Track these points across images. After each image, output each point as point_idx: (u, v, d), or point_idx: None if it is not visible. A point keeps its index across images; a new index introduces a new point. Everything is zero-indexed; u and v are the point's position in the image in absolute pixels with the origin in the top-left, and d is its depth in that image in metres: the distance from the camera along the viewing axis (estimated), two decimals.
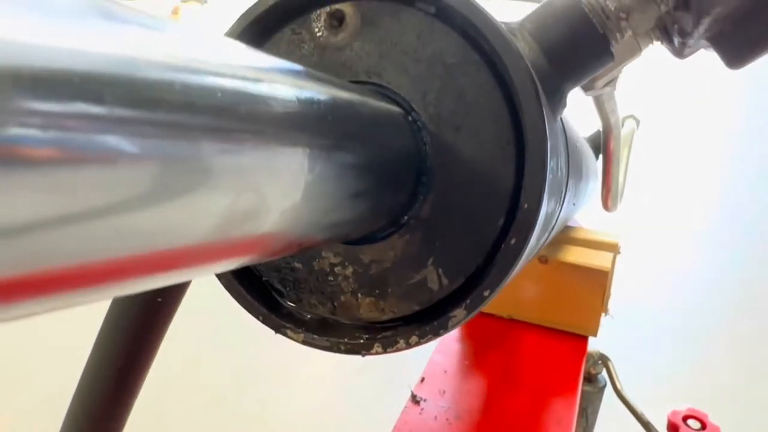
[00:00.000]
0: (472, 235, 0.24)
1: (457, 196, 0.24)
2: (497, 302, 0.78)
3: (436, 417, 0.64)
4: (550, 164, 0.23)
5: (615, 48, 0.26)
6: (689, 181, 3.03)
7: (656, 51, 0.31)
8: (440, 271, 0.24)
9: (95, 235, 0.10)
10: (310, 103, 0.16)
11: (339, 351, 0.25)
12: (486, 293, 0.23)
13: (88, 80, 0.10)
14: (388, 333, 0.25)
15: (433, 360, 0.70)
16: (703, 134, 3.77)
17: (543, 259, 0.74)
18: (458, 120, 0.24)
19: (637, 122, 0.86)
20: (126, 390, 0.32)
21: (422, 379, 0.66)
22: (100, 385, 0.32)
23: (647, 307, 1.85)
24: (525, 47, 0.26)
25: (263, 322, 0.26)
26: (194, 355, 1.51)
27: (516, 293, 0.76)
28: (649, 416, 0.84)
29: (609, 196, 0.61)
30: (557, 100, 0.26)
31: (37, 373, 1.55)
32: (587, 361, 0.87)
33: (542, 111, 0.22)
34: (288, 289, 0.26)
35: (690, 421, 0.82)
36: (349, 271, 0.25)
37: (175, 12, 5.78)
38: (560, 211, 0.31)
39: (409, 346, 0.24)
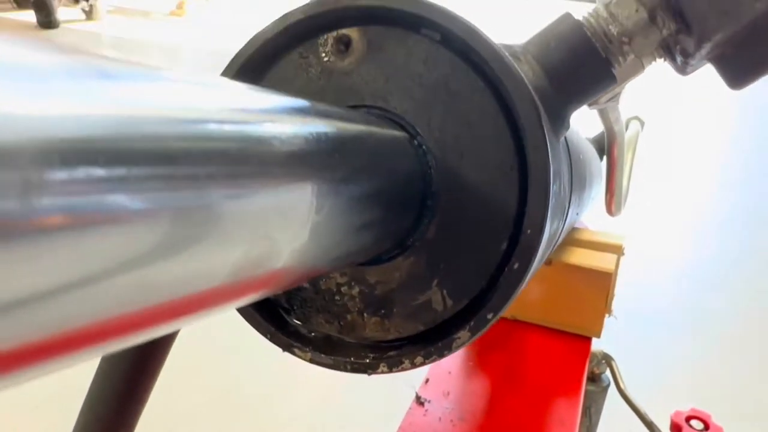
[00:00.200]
0: (476, 258, 0.24)
1: (462, 219, 0.24)
2: None
3: (440, 418, 0.64)
4: (553, 189, 0.23)
5: (617, 70, 0.27)
6: (690, 177, 3.02)
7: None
8: (445, 292, 0.25)
9: (110, 293, 0.11)
10: (316, 141, 0.17)
11: (345, 370, 0.25)
12: (489, 316, 0.23)
13: (91, 145, 0.10)
14: (394, 353, 0.25)
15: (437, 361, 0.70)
16: (702, 134, 3.75)
17: (547, 261, 0.75)
18: (463, 145, 0.24)
19: (642, 123, 0.86)
20: (129, 412, 0.32)
21: (426, 380, 0.67)
22: (103, 409, 0.32)
23: (648, 306, 1.85)
24: (529, 71, 0.26)
25: (271, 340, 0.26)
26: (195, 353, 1.52)
27: (520, 294, 0.76)
28: (652, 416, 0.85)
29: (613, 201, 0.61)
30: (560, 123, 0.27)
31: None
32: (591, 361, 0.87)
33: (545, 139, 0.23)
34: (295, 307, 0.27)
35: (693, 422, 0.83)
36: (356, 291, 0.26)
37: (179, 6, 5.77)
38: (563, 226, 0.32)
39: (413, 366, 0.24)
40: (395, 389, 0.81)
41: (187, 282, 0.12)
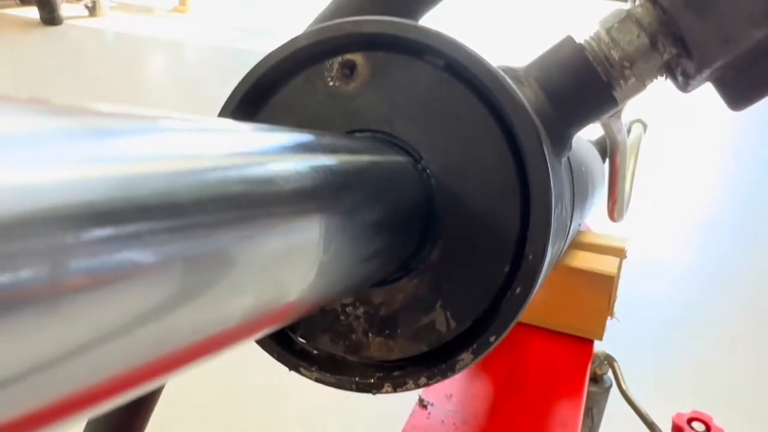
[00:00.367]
0: (479, 281, 0.25)
1: (465, 242, 0.25)
2: None
3: (443, 421, 0.65)
4: (555, 214, 0.24)
5: (619, 93, 0.27)
6: (692, 176, 3.02)
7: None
8: (448, 314, 0.25)
9: (126, 347, 0.11)
10: (323, 178, 0.17)
11: (350, 389, 0.26)
12: (492, 339, 0.24)
13: (100, 207, 0.10)
14: (398, 373, 0.26)
15: None
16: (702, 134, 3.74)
17: None
18: (466, 169, 0.25)
19: (645, 126, 0.86)
20: None
21: None
22: None
23: (648, 306, 1.85)
24: (531, 94, 0.26)
25: (278, 359, 0.27)
26: None
27: None
28: (654, 417, 0.85)
29: (615, 207, 0.62)
30: (562, 145, 0.27)
31: None
32: (593, 362, 0.88)
33: (547, 166, 0.23)
34: (301, 327, 0.27)
35: (695, 424, 0.83)
36: (360, 311, 0.26)
37: (182, 3, 5.76)
38: (565, 243, 0.32)
39: (417, 386, 0.25)
40: (400, 396, 0.82)
41: (199, 329, 0.13)
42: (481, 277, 0.25)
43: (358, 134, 0.26)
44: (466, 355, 0.24)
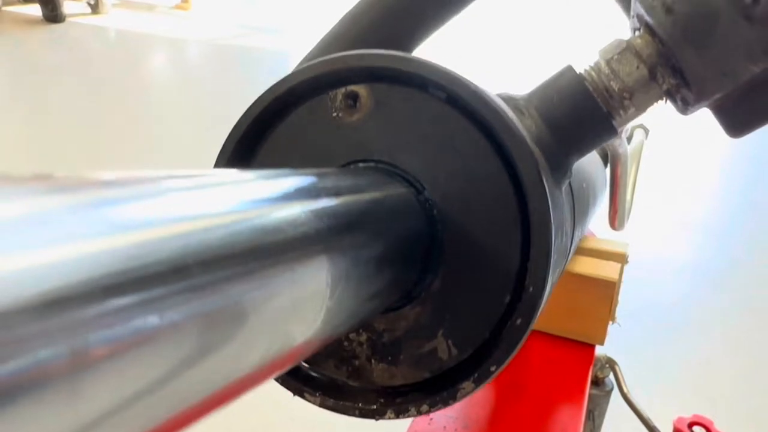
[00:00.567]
0: (480, 310, 0.25)
1: (466, 272, 0.25)
2: None
3: (445, 427, 0.65)
4: (555, 245, 0.24)
5: (618, 121, 0.27)
6: (693, 177, 3.01)
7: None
8: (450, 342, 0.26)
9: (143, 410, 0.11)
10: (327, 223, 0.17)
11: (354, 415, 0.26)
12: (493, 368, 0.24)
13: (105, 281, 0.10)
14: (400, 399, 0.26)
15: None
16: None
17: None
18: (467, 200, 0.25)
19: (646, 132, 0.86)
20: None
21: None
22: None
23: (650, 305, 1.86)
24: (531, 124, 0.27)
25: (282, 384, 0.27)
26: None
27: None
28: (655, 421, 0.86)
29: (616, 217, 0.62)
30: (562, 173, 0.27)
31: None
32: (594, 365, 0.88)
33: (547, 200, 0.23)
34: None
35: (695, 428, 0.84)
36: (363, 338, 0.27)
37: (185, 0, 5.75)
38: (566, 262, 0.33)
39: (419, 413, 0.25)
40: None
41: (211, 384, 0.13)
42: (482, 306, 0.25)
43: (361, 164, 0.26)
44: (467, 384, 0.25)
